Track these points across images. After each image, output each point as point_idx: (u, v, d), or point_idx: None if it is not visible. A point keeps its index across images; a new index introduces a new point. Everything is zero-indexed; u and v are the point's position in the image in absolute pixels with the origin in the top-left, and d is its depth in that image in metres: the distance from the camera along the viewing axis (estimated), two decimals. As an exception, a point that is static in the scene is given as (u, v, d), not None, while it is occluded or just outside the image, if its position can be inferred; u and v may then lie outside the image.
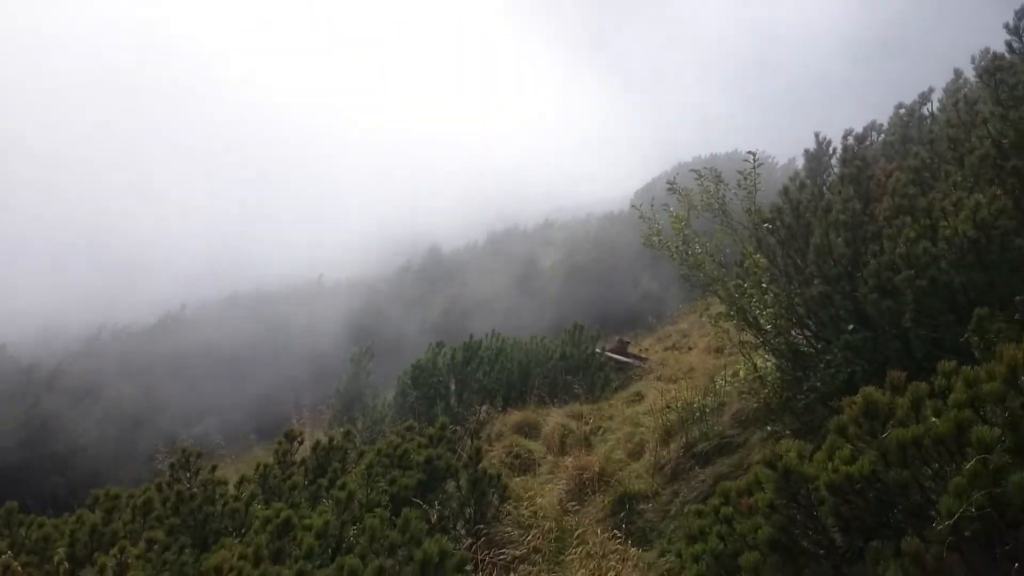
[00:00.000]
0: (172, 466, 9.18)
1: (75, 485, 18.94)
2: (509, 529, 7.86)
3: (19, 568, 7.50)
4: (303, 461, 9.63)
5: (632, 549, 6.87)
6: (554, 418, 11.68)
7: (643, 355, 18.60)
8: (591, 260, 36.03)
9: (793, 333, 8.22)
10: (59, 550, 6.61)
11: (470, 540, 7.46)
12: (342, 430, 10.57)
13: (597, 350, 16.43)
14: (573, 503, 8.41)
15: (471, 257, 42.21)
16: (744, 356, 9.12)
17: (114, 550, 5.54)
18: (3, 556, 7.94)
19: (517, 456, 10.53)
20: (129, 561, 5.51)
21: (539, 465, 10.21)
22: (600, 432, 11.09)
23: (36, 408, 22.87)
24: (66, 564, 5.17)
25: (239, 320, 29.05)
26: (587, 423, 11.31)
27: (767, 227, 8.57)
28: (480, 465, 8.49)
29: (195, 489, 8.76)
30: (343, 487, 7.97)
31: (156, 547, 6.47)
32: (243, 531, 8.08)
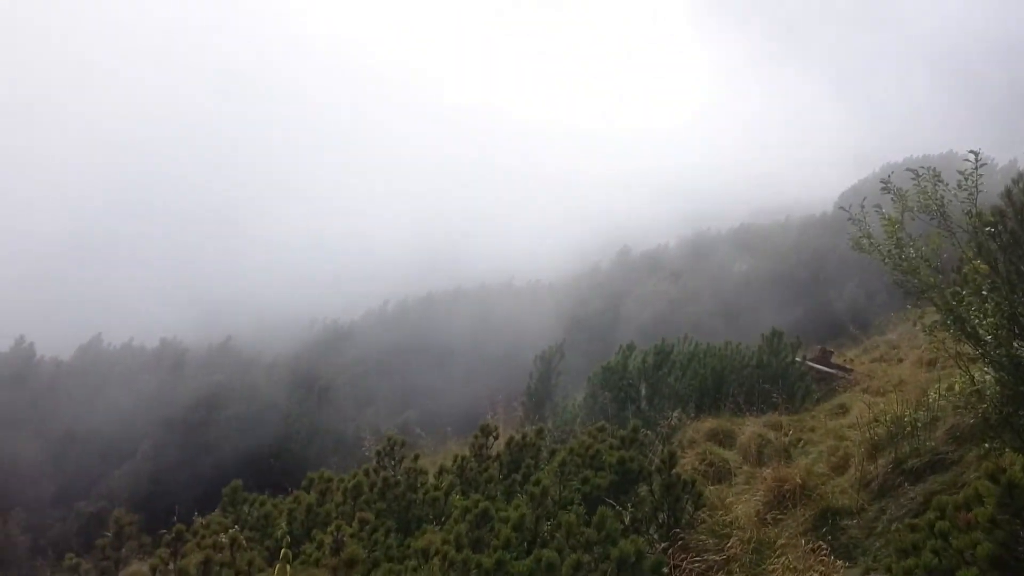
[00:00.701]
0: (378, 454, 9.73)
1: (288, 467, 20.47)
2: (703, 537, 7.73)
3: (244, 542, 8.21)
4: (498, 455, 9.93)
5: (838, 562, 6.59)
6: (750, 427, 11.34)
7: (847, 366, 17.69)
8: (791, 266, 34.65)
9: (1016, 345, 7.57)
10: (281, 525, 7.17)
11: (664, 544, 7.40)
12: (534, 428, 10.79)
13: (797, 359, 15.79)
14: (771, 515, 8.15)
15: (661, 260, 41.72)
16: (961, 368, 8.49)
17: (331, 528, 5.96)
18: (231, 530, 8.65)
19: (711, 464, 10.32)
20: (344, 539, 5.91)
21: (734, 475, 9.96)
22: (800, 444, 10.66)
23: (255, 398, 24.89)
24: (288, 538, 5.62)
25: (437, 318, 30.25)
26: (786, 434, 10.90)
27: (988, 231, 7.93)
28: (674, 470, 8.40)
29: (399, 476, 9.25)
30: (537, 483, 8.13)
31: (367, 527, 6.89)
32: (443, 519, 8.45)
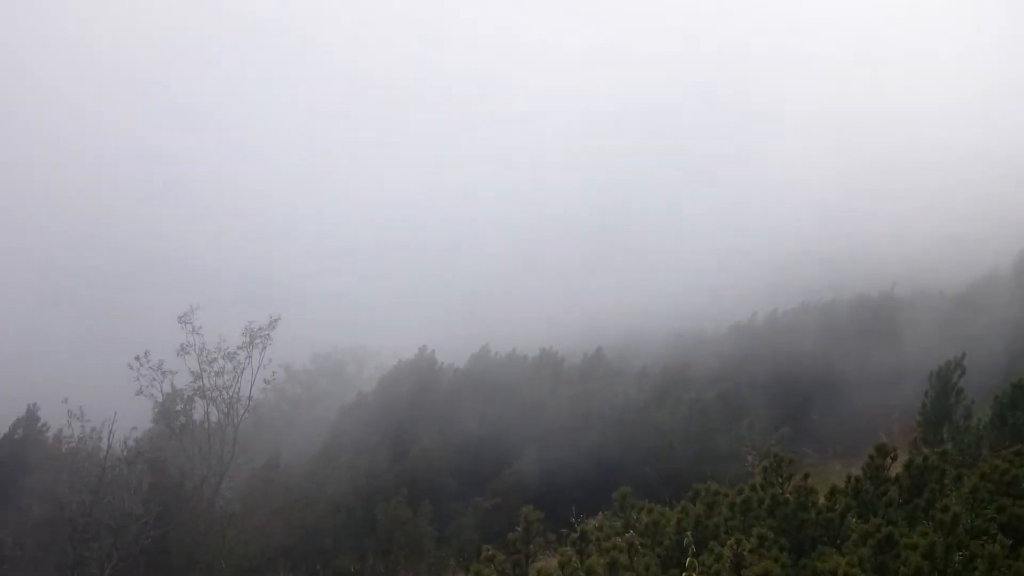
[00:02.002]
0: (765, 470, 9.60)
1: (665, 476, 20.85)
2: None
3: (639, 546, 8.55)
4: (896, 478, 9.32)
5: None
6: None
7: None
8: None
9: None
10: (687, 534, 7.39)
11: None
12: (937, 450, 10.00)
13: None
14: None
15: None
16: None
17: (730, 541, 6.03)
18: (627, 534, 9.02)
19: None
20: (744, 553, 5.94)
21: None
22: None
23: (627, 407, 25.74)
24: (693, 547, 5.79)
25: (810, 330, 29.00)
26: None
27: None
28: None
29: (788, 495, 9.05)
30: (945, 509, 7.55)
31: (766, 543, 6.87)
32: (838, 541, 8.12)
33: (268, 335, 26.10)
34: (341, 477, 21.44)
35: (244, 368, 25.94)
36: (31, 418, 28.94)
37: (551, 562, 8.21)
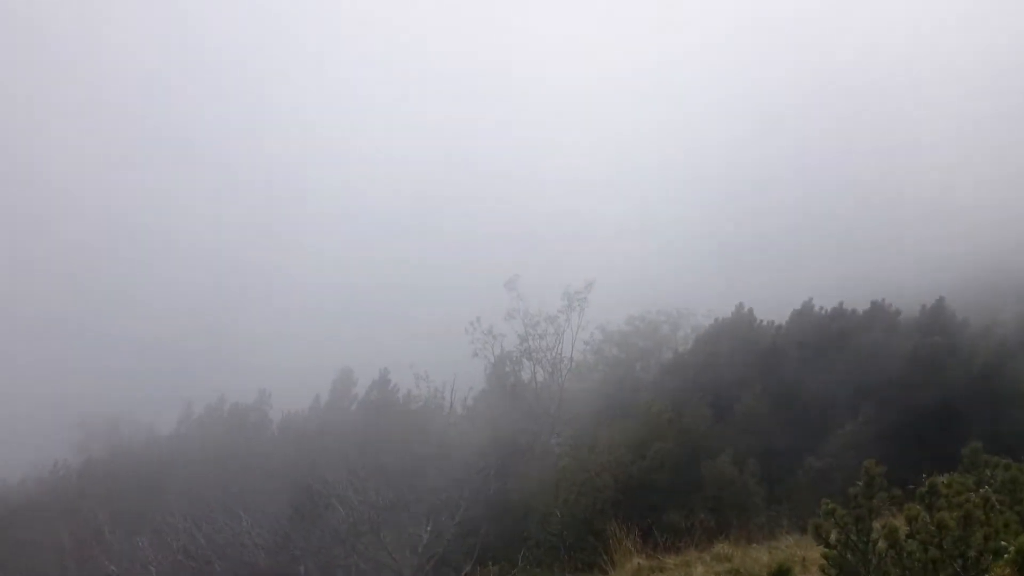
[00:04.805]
0: None
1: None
2: None
3: (996, 503, 7.71)
4: None
5: None
6: None
7: None
8: None
9: None
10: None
11: None
12: None
13: None
14: None
15: None
16: None
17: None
18: (982, 490, 8.22)
19: None
20: None
21: None
22: None
23: (974, 360, 23.25)
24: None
25: None
26: None
27: None
28: None
29: None
30: None
31: None
32: None
33: (584, 298, 27.03)
34: (665, 435, 21.63)
35: (564, 330, 27.14)
36: (383, 381, 32.62)
37: (895, 520, 7.65)
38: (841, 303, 29.32)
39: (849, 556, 7.97)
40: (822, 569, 8.44)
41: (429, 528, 19.17)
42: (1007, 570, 7.03)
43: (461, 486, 20.70)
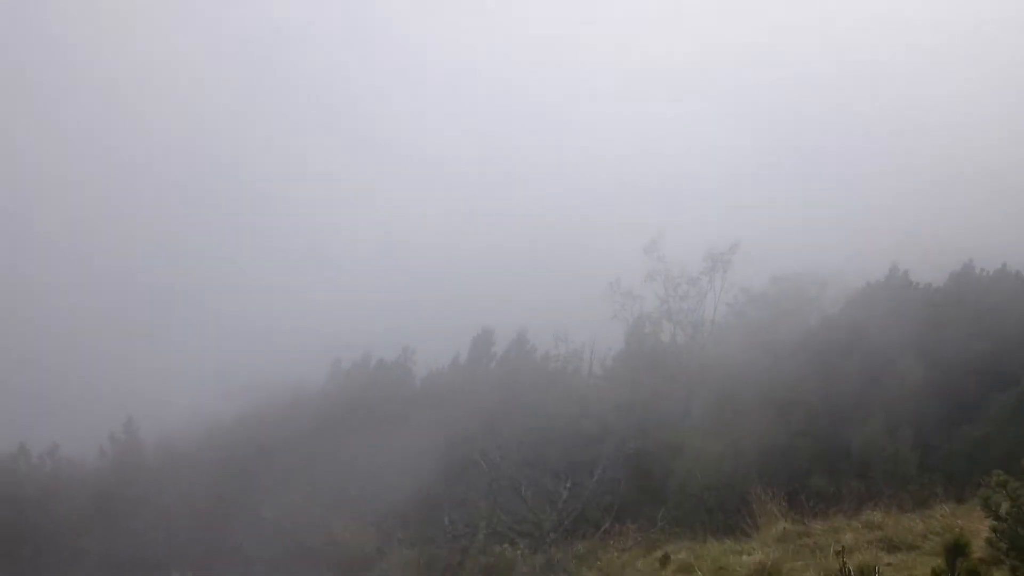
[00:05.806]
0: None
1: None
2: None
3: None
4: None
5: None
6: None
7: None
8: None
9: None
10: None
11: None
12: None
13: None
14: None
15: None
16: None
17: None
18: None
19: None
20: None
21: None
22: None
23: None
24: None
25: None
26: None
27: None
28: None
29: None
30: None
31: None
32: None
33: (729, 260, 26.45)
34: (811, 400, 21.08)
35: (707, 292, 26.68)
36: (521, 341, 33.00)
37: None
38: (1004, 264, 27.53)
39: (1020, 531, 7.59)
40: (989, 542, 8.10)
41: (568, 485, 19.40)
42: None
43: (599, 444, 20.82)
